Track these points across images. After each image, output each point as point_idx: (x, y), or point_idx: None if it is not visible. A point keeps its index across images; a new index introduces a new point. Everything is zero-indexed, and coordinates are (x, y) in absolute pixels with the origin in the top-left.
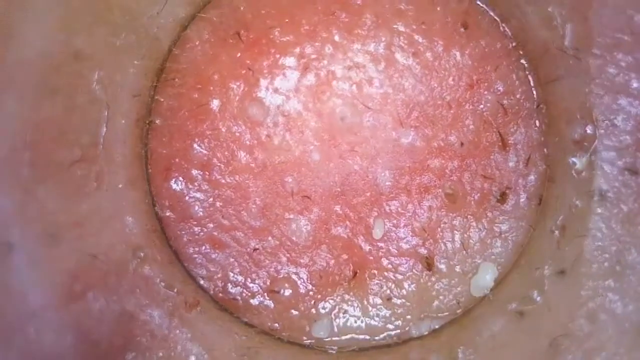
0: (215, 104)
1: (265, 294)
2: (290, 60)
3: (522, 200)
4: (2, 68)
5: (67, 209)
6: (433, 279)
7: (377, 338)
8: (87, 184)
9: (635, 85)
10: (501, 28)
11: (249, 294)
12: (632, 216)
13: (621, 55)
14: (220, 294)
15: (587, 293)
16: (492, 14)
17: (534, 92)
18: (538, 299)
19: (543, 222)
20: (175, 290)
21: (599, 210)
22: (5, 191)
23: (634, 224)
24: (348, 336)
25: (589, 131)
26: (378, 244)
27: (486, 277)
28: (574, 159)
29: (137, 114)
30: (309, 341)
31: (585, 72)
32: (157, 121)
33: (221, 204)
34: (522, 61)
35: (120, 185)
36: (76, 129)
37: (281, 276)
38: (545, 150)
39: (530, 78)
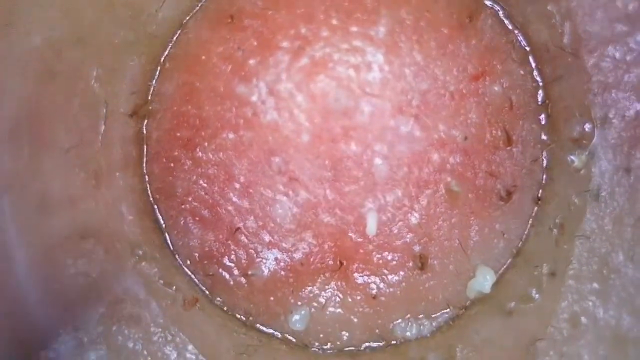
0: (201, 83)
1: (242, 275)
2: (283, 41)
3: (526, 198)
4: (4, 51)
5: (63, 190)
6: (424, 277)
7: (357, 337)
8: (85, 169)
9: (626, 78)
10: (506, 23)
11: (226, 273)
12: (623, 216)
13: (614, 48)
14: (198, 271)
15: (573, 296)
16: (496, 9)
17: (540, 89)
18: (537, 296)
19: (542, 220)
20: (174, 287)
21: (594, 210)
22: (4, 174)
23: (624, 224)
24: (326, 330)
25: (587, 129)
26: (369, 236)
27: (484, 283)
28: (572, 157)
29: (135, 107)
30: (283, 332)
31: (583, 71)
32: (150, 107)
33: (205, 180)
34: (529, 57)
35: (117, 174)
36: (75, 115)
37: (260, 258)
38: (547, 147)
39: (536, 74)
